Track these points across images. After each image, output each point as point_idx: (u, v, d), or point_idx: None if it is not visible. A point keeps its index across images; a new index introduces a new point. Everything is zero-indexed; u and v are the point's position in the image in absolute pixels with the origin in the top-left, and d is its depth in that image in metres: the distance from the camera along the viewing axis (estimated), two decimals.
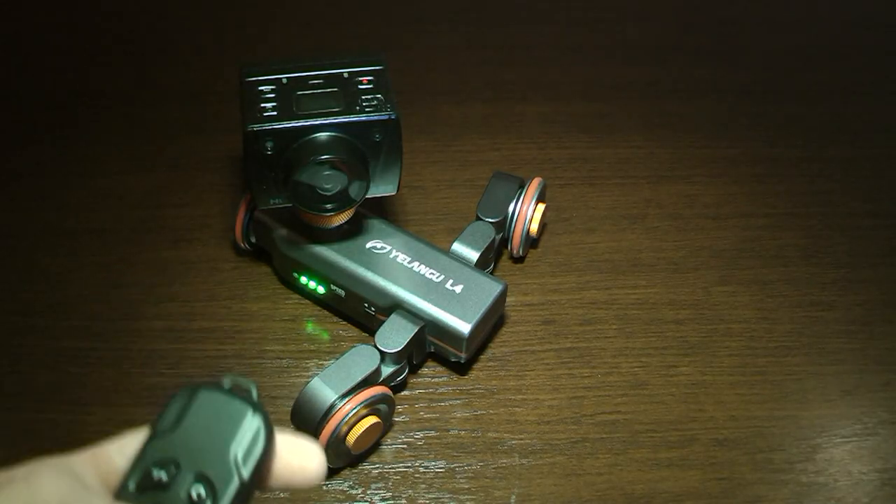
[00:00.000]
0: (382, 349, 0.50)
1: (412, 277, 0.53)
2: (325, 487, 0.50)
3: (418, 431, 0.52)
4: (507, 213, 0.58)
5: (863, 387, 0.55)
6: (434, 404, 0.54)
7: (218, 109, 0.73)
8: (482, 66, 0.78)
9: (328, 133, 0.49)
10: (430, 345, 0.53)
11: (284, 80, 0.50)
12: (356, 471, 0.50)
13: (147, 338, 0.56)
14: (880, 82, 0.79)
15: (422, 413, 0.53)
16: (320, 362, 0.55)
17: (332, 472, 0.50)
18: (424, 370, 0.55)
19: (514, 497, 0.50)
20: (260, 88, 0.50)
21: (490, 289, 0.53)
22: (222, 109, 0.72)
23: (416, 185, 0.67)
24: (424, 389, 0.54)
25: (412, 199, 0.65)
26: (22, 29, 0.81)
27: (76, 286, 0.59)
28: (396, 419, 0.53)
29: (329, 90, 0.50)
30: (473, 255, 0.55)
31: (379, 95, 0.50)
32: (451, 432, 0.52)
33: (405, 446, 0.52)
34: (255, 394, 0.38)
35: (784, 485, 0.51)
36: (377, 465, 0.51)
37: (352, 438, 0.48)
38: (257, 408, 0.35)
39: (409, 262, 0.54)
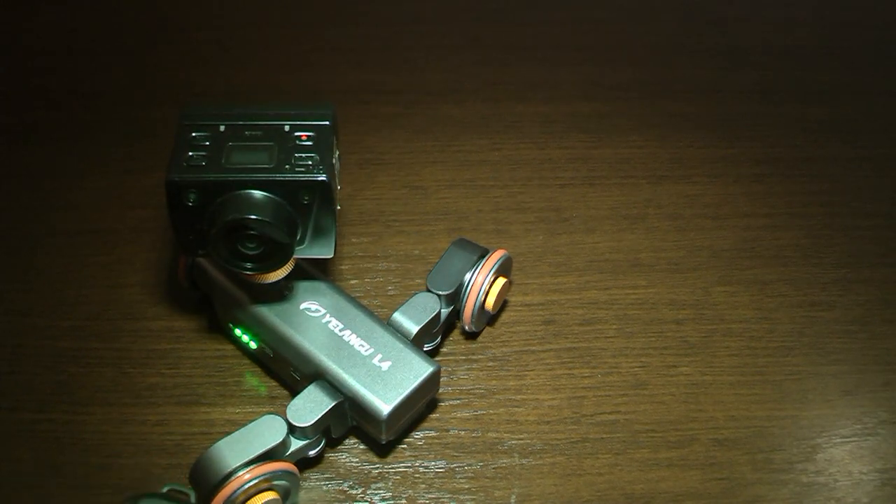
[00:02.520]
0: (291, 422, 0.47)
1: (339, 347, 0.49)
2: (324, 487, 0.50)
3: (418, 431, 0.52)
4: (461, 283, 0.54)
5: (863, 387, 0.55)
6: (434, 404, 0.54)
7: None
8: (482, 66, 0.78)
9: (254, 191, 0.45)
10: (352, 419, 0.50)
11: (222, 128, 0.47)
12: (356, 471, 0.50)
13: (147, 338, 0.56)
14: (880, 82, 0.79)
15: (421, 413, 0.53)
16: None
17: (331, 474, 0.50)
18: None
19: (514, 497, 0.50)
20: (193, 134, 0.47)
21: (419, 370, 0.49)
22: None
23: (416, 185, 0.67)
24: None
25: (412, 199, 0.65)
26: (22, 28, 0.81)
27: (76, 286, 0.59)
28: None
29: (264, 144, 0.47)
30: (413, 329, 0.51)
31: (315, 155, 0.46)
32: (451, 432, 0.52)
33: (405, 446, 0.52)
34: (193, 498, 0.38)
35: (784, 485, 0.51)
36: (377, 465, 0.51)
37: None
38: None
39: (340, 330, 0.50)
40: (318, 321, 0.50)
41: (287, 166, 0.46)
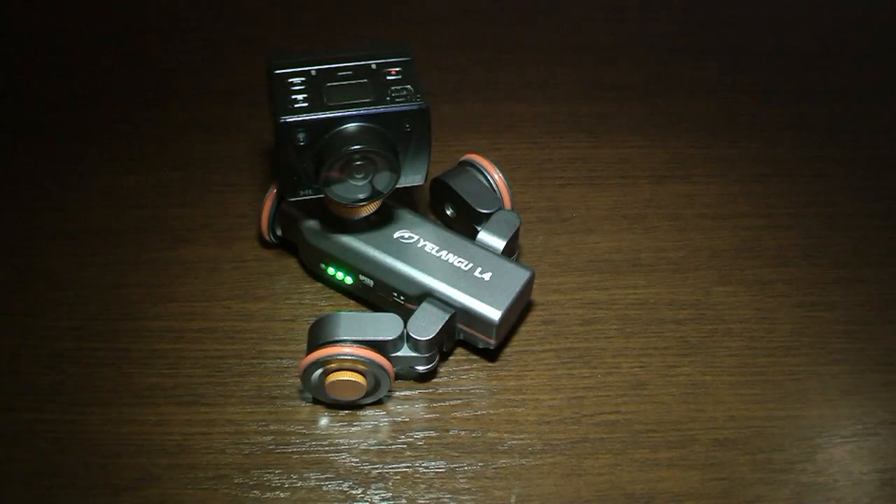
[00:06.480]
0: (415, 337, 0.51)
1: (441, 266, 0.54)
2: (324, 488, 0.50)
3: (418, 431, 0.52)
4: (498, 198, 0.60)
5: (863, 387, 0.55)
6: (434, 404, 0.54)
7: (218, 110, 0.73)
8: (482, 66, 0.78)
9: (359, 124, 0.49)
10: (459, 332, 0.54)
11: (313, 72, 0.51)
12: (356, 471, 0.50)
13: (147, 338, 0.56)
14: (880, 82, 0.79)
15: (422, 413, 0.53)
16: None
17: (331, 474, 0.50)
18: None
19: (514, 497, 0.50)
20: (289, 80, 0.50)
21: (518, 276, 0.53)
22: (222, 110, 0.72)
23: (417, 185, 0.66)
24: (424, 389, 0.54)
25: (413, 199, 0.65)
26: (22, 28, 0.81)
27: (76, 286, 0.59)
28: (396, 419, 0.53)
29: (358, 81, 0.51)
30: (500, 244, 0.56)
31: (408, 86, 0.51)
32: (451, 432, 0.52)
33: (405, 446, 0.52)
34: None
35: (784, 485, 0.51)
36: (377, 466, 0.51)
37: (328, 379, 0.50)
38: None
39: (437, 251, 0.54)
40: (415, 246, 0.55)
41: (387, 98, 0.50)
